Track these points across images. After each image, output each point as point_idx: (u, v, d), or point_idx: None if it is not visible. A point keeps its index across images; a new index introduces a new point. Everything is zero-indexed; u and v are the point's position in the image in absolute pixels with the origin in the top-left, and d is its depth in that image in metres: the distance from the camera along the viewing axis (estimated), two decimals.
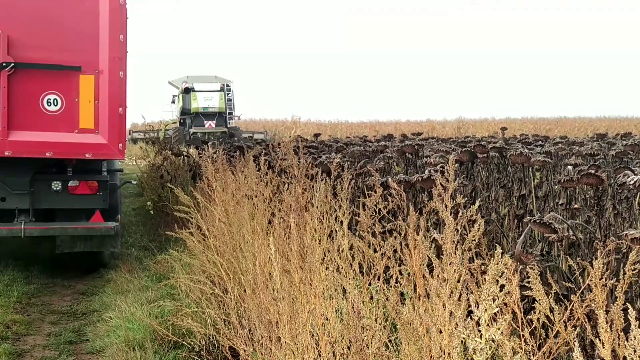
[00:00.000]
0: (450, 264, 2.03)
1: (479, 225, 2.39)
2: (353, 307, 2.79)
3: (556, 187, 5.05)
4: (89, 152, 6.43)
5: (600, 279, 1.79)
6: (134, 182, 9.80)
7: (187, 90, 26.84)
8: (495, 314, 1.99)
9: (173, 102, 28.98)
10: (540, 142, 9.09)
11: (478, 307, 1.70)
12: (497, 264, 1.69)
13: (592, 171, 3.54)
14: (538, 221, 2.67)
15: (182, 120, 27.23)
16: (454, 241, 2.18)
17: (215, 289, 5.08)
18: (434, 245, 2.81)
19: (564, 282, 2.81)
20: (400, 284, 2.75)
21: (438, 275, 2.05)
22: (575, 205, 4.79)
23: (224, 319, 4.64)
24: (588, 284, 1.94)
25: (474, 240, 2.42)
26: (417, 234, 2.43)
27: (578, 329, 1.89)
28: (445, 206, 2.50)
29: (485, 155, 5.13)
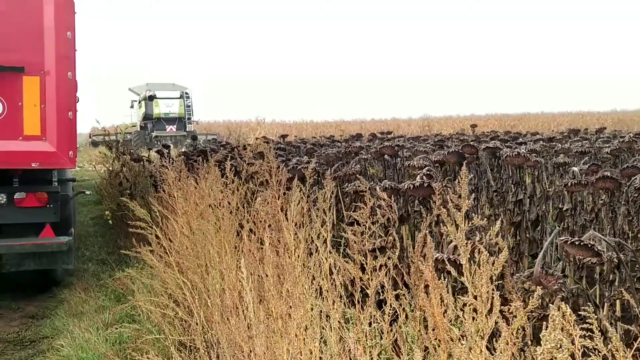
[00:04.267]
0: (479, 314, 1.56)
1: (504, 254, 1.92)
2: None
3: (550, 190, 4.65)
4: (36, 162, 5.81)
5: None
6: (87, 191, 9.15)
7: (151, 98, 29.02)
8: None
9: (132, 106, 31.13)
10: (520, 140, 8.72)
11: None
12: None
13: (608, 174, 3.11)
14: (576, 243, 2.18)
15: (143, 125, 29.19)
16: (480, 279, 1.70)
17: (178, 311, 4.56)
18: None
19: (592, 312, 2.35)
20: (405, 320, 2.28)
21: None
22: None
23: (190, 346, 4.13)
24: None
25: (496, 270, 1.95)
26: (432, 270, 1.95)
27: None
28: (458, 230, 2.03)
29: (474, 155, 4.68)
